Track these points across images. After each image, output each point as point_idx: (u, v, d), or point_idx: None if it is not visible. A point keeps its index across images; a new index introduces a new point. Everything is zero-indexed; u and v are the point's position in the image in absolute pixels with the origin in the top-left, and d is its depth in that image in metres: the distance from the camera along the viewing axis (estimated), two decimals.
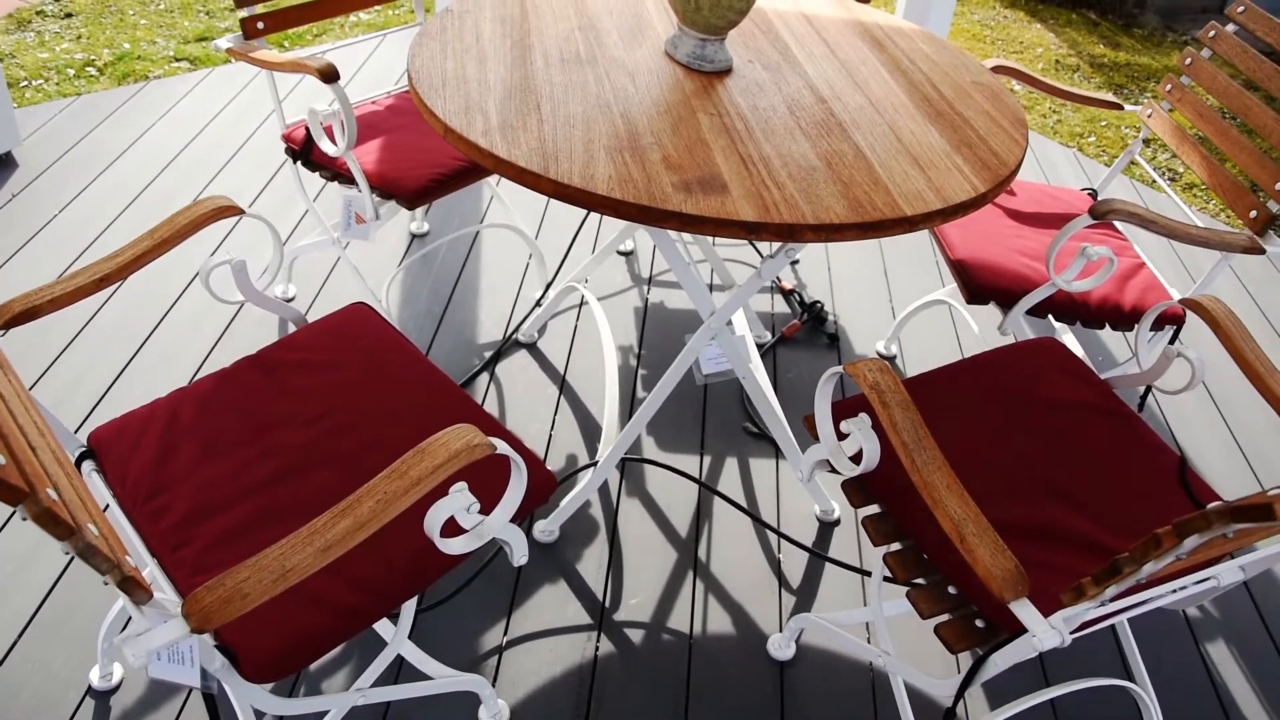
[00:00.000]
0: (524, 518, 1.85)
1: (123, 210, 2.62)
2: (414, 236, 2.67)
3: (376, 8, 2.99)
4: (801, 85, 1.65)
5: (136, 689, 1.53)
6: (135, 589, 0.90)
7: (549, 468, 1.79)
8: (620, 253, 2.70)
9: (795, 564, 1.87)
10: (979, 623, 1.18)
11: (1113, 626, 1.81)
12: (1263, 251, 1.77)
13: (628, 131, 1.41)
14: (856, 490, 1.36)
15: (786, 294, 2.61)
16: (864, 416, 1.21)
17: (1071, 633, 1.09)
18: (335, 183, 1.99)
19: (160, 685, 1.53)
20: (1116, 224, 2.15)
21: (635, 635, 1.71)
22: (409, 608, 1.28)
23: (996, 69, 2.16)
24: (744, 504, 1.98)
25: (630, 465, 2.03)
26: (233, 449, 1.28)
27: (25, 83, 3.26)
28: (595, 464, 2.00)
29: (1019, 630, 1.13)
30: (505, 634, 1.68)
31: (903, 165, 1.43)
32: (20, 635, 1.58)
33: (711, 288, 2.61)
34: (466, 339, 2.32)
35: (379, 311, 1.56)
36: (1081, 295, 1.83)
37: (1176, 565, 1.06)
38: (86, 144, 2.88)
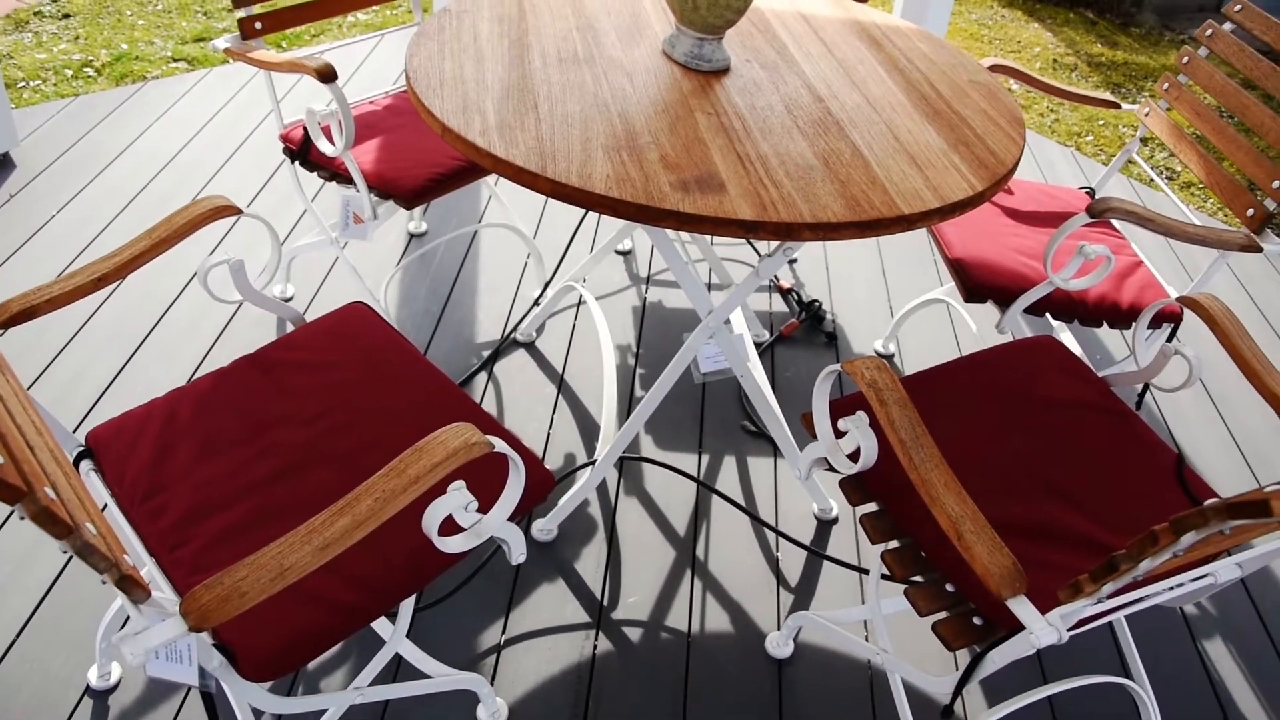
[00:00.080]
0: (522, 516, 1.85)
1: (121, 210, 2.62)
2: (412, 236, 2.67)
3: (374, 8, 2.99)
4: (799, 84, 1.65)
5: (135, 688, 1.53)
6: (133, 588, 0.90)
7: (547, 466, 1.79)
8: (618, 252, 2.70)
9: (793, 562, 1.87)
10: (977, 620, 1.18)
11: (1110, 624, 1.81)
12: (1260, 249, 1.77)
13: (625, 131, 1.41)
14: (854, 488, 1.36)
15: (784, 293, 2.61)
16: (862, 415, 1.21)
17: (1069, 630, 1.09)
18: (333, 183, 1.99)
19: (158, 684, 1.53)
20: (1114, 222, 2.15)
21: (633, 634, 1.71)
22: (407, 606, 1.28)
23: (994, 68, 2.16)
24: (742, 502, 1.98)
25: (628, 464, 2.03)
26: (231, 448, 1.28)
27: (23, 83, 3.26)
28: (593, 463, 2.01)
29: (1016, 627, 1.13)
30: (503, 632, 1.68)
31: (900, 164, 1.43)
32: (18, 635, 1.58)
33: (709, 287, 2.61)
34: (465, 338, 2.32)
35: (377, 311, 1.56)
36: (1079, 293, 1.83)
37: (1173, 562, 1.06)
38: (84, 144, 2.88)
